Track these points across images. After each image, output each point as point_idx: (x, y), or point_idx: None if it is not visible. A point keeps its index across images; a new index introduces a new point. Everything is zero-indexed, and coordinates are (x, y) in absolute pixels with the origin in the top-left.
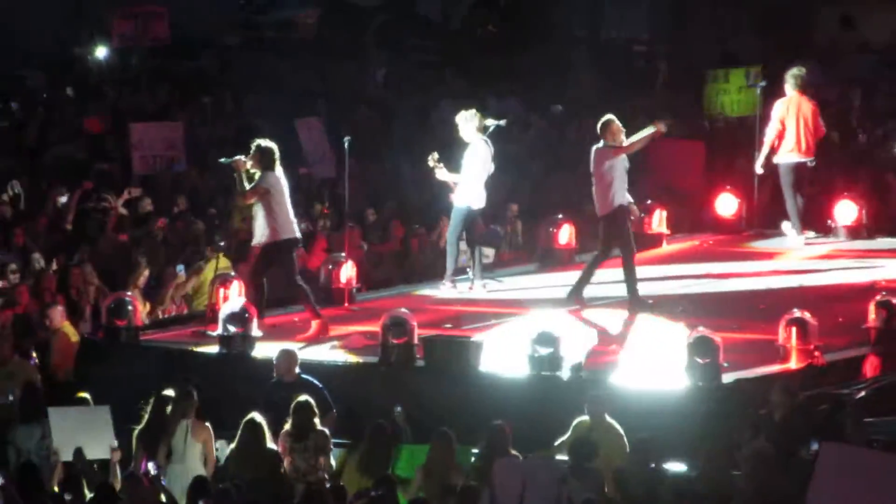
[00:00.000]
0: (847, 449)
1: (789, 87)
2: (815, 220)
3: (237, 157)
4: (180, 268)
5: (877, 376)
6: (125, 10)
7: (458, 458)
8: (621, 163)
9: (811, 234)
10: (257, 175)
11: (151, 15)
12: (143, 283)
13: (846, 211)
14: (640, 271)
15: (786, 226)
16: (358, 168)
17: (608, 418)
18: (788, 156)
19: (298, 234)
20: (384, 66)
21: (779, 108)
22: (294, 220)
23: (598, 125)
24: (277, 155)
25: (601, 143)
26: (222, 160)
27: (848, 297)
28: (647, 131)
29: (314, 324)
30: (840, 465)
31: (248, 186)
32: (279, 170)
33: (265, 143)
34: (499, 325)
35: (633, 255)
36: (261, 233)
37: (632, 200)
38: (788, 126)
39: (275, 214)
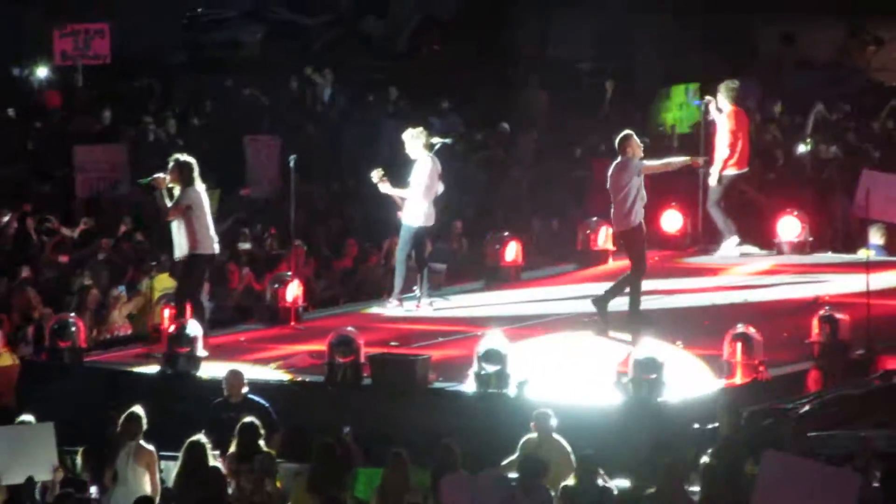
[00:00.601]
0: (788, 458)
1: (726, 100)
2: (759, 236)
3: (156, 175)
4: (121, 288)
5: (820, 390)
6: (67, 26)
7: (414, 479)
8: (640, 179)
9: (754, 249)
10: (177, 191)
11: (93, 32)
12: (94, 305)
13: (789, 227)
14: (586, 288)
15: (726, 244)
16: (304, 186)
17: (555, 435)
18: (731, 169)
19: (215, 252)
20: (329, 85)
21: (727, 123)
22: (214, 235)
23: (617, 140)
24: (196, 170)
25: (619, 158)
26: (140, 181)
27: (792, 312)
28: (681, 159)
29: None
30: (781, 474)
31: (169, 203)
32: (199, 184)
33: (184, 157)
34: (446, 343)
35: (642, 274)
36: (180, 248)
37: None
38: (732, 139)
39: (195, 229)
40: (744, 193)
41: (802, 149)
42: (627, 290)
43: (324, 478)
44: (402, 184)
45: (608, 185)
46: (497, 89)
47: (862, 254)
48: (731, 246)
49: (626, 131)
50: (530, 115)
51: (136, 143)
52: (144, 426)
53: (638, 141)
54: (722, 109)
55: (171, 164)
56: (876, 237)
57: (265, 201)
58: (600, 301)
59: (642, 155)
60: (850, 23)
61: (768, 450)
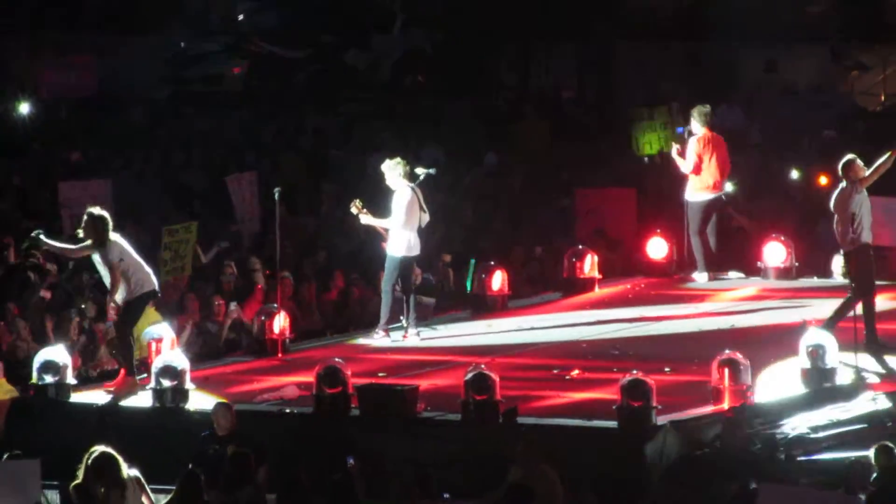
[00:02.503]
0: (785, 489)
1: (698, 124)
2: (745, 262)
3: (34, 235)
4: (109, 324)
5: (810, 415)
6: (54, 60)
7: None
8: (865, 199)
9: (737, 274)
10: (82, 237)
11: (80, 65)
12: (76, 336)
13: (775, 252)
14: (572, 316)
15: (696, 274)
16: (289, 219)
17: (543, 464)
18: (701, 194)
19: (155, 285)
20: (314, 118)
21: (695, 146)
22: (149, 270)
23: (840, 166)
24: (111, 224)
25: (844, 184)
26: (25, 245)
27: (778, 337)
28: (886, 157)
29: (120, 379)
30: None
31: (56, 243)
32: (114, 234)
33: (97, 211)
34: (433, 373)
35: (870, 293)
36: (120, 296)
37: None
38: (703, 163)
39: (129, 278)
40: (731, 218)
41: (795, 175)
42: (852, 313)
43: None
44: (385, 214)
45: (832, 208)
46: (481, 120)
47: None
48: (702, 278)
49: (850, 155)
50: (528, 145)
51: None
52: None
53: (861, 164)
54: (694, 133)
55: (86, 218)
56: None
57: (255, 235)
58: (870, 342)
59: (865, 175)
60: (832, 49)
61: (765, 483)
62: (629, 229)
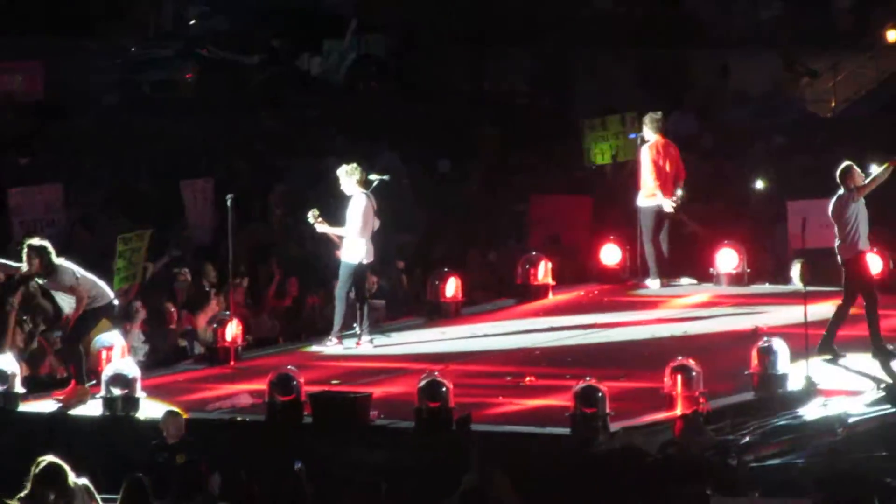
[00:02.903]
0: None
1: (650, 131)
2: (697, 268)
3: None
4: (58, 333)
5: (761, 421)
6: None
7: None
8: (863, 207)
9: (690, 281)
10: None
11: (26, 70)
12: (24, 344)
13: (727, 258)
14: (526, 323)
15: (649, 281)
16: (241, 226)
17: (496, 471)
18: (652, 200)
19: (111, 297)
20: (266, 123)
21: (648, 153)
22: (102, 283)
23: (838, 172)
24: (52, 250)
25: (842, 191)
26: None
27: (731, 343)
28: (883, 168)
29: (70, 388)
30: None
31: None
32: (59, 259)
33: (37, 242)
34: (387, 380)
35: (875, 300)
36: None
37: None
38: (658, 170)
39: (83, 297)
40: (683, 224)
41: (760, 185)
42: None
43: None
44: (340, 221)
45: (831, 217)
46: (435, 125)
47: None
48: (654, 285)
49: (847, 163)
50: (481, 151)
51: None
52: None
53: (860, 171)
54: (647, 140)
55: (26, 251)
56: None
57: (209, 242)
58: (824, 346)
59: (862, 183)
60: (784, 55)
61: (715, 496)
62: (584, 237)
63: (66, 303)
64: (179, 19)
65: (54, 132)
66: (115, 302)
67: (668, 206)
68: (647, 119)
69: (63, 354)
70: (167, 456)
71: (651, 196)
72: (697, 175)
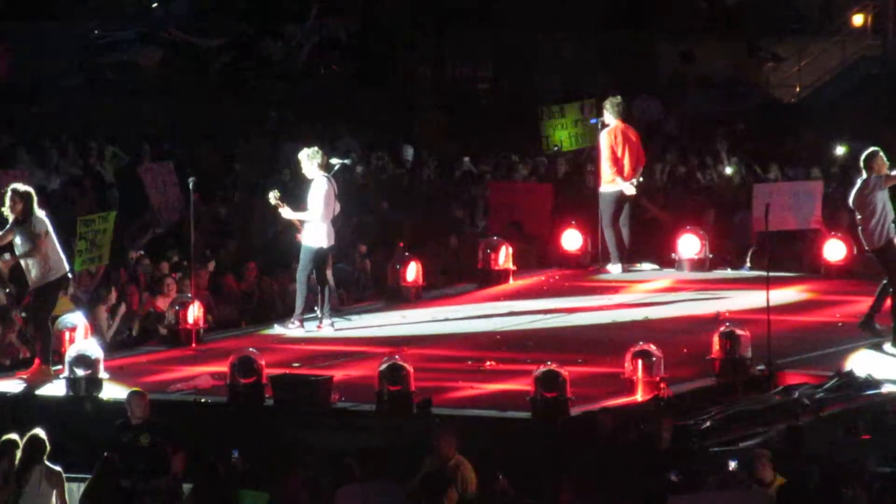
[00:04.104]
0: (690, 498)
1: (611, 116)
2: (659, 253)
3: None
4: (15, 312)
5: (723, 406)
6: None
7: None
8: (885, 194)
9: (651, 266)
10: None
11: None
12: None
13: (689, 244)
14: (487, 308)
15: (610, 266)
16: (204, 208)
17: (457, 454)
18: (612, 185)
19: (67, 271)
20: (228, 107)
21: (607, 138)
22: (64, 257)
23: (863, 158)
24: (35, 197)
25: (864, 176)
26: None
27: (692, 328)
28: None
29: (35, 367)
30: None
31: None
32: (40, 211)
33: (23, 187)
34: (348, 363)
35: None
36: (35, 275)
37: None
38: (619, 154)
39: (46, 256)
40: (645, 211)
41: (729, 170)
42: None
43: (207, 498)
44: (301, 205)
45: (852, 204)
46: (395, 110)
47: None
48: (615, 270)
49: (873, 148)
50: (428, 136)
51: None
52: (48, 448)
53: (884, 158)
54: (608, 125)
55: (9, 195)
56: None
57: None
58: (866, 324)
59: (887, 171)
60: (748, 40)
61: (671, 497)
62: (544, 224)
63: (33, 268)
64: (141, 3)
65: (18, 115)
66: (70, 276)
67: (629, 189)
68: (607, 104)
69: (28, 333)
70: (131, 436)
71: (611, 181)
72: (660, 161)
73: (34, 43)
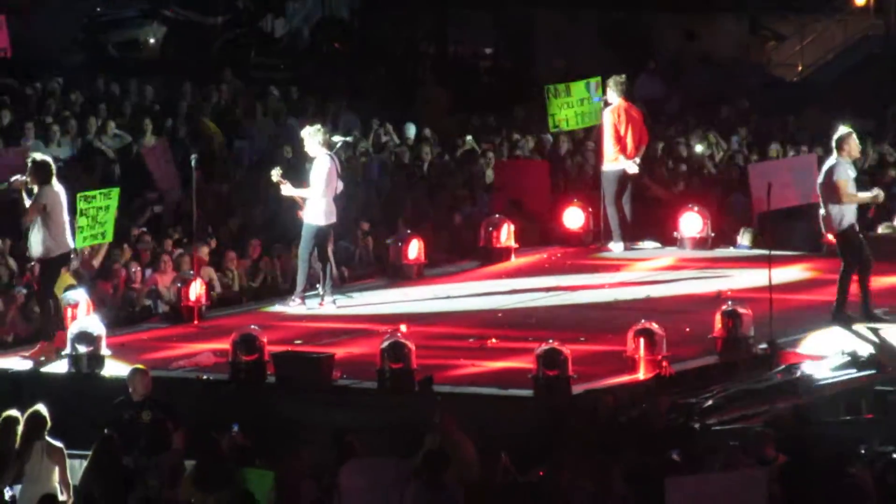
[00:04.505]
0: (690, 480)
1: (614, 94)
2: (661, 232)
3: (14, 178)
4: (19, 288)
5: (725, 385)
6: None
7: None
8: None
9: (653, 244)
10: (35, 191)
11: None
12: None
13: (691, 222)
14: (489, 285)
15: (612, 244)
16: (205, 186)
17: (458, 432)
18: (615, 164)
19: (71, 248)
20: (230, 84)
21: (610, 117)
22: (69, 234)
23: (835, 138)
24: (54, 168)
25: (835, 157)
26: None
27: (694, 307)
28: (872, 195)
29: (41, 344)
30: (688, 496)
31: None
32: (56, 184)
33: (40, 157)
34: (349, 341)
35: (853, 271)
36: (36, 248)
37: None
38: (622, 133)
39: (49, 230)
40: (647, 188)
41: (700, 149)
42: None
43: (209, 474)
44: (303, 182)
45: (819, 188)
46: (398, 87)
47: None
48: (617, 248)
49: (846, 129)
50: (430, 113)
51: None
52: (49, 424)
53: (857, 141)
54: (611, 103)
55: (28, 165)
56: (745, 238)
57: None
58: (838, 315)
59: (858, 156)
60: (750, 19)
61: (669, 477)
62: (543, 202)
63: (36, 241)
64: None
65: (20, 92)
66: (73, 254)
67: (632, 168)
68: (610, 82)
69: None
70: (133, 413)
71: (613, 160)
72: (662, 139)
73: (35, 20)
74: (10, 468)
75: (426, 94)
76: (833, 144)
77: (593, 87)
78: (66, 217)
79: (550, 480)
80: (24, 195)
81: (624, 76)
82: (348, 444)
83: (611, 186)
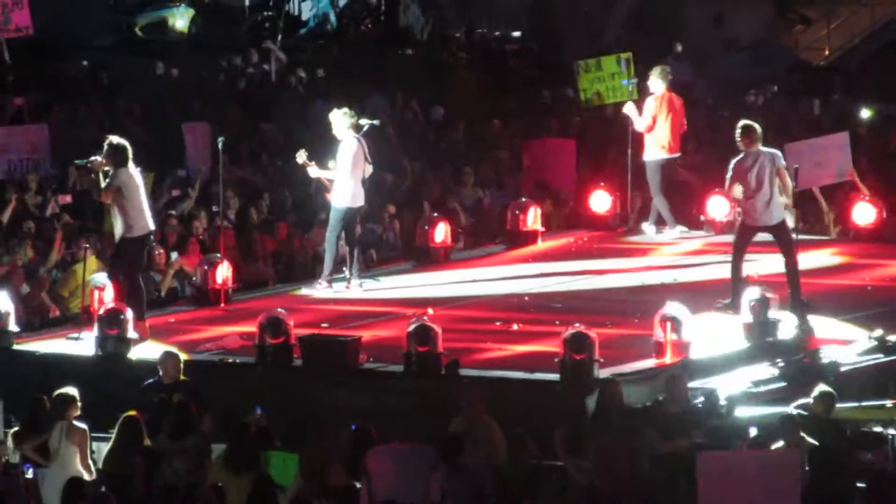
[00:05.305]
0: (723, 455)
1: (659, 83)
2: (689, 216)
3: (93, 158)
4: (43, 270)
5: (750, 370)
6: None
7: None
8: (773, 170)
9: (681, 228)
10: (111, 173)
11: (11, 3)
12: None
13: (718, 206)
14: (516, 269)
15: (646, 226)
16: (232, 168)
17: (485, 415)
18: (658, 152)
19: (151, 228)
20: (258, 67)
21: (651, 105)
22: (148, 214)
23: (740, 130)
24: (130, 152)
25: (743, 152)
26: (77, 161)
27: (721, 291)
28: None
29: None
30: (720, 472)
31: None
32: (132, 166)
33: (117, 140)
34: (376, 324)
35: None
36: (117, 230)
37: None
38: (659, 123)
39: (126, 211)
40: (675, 173)
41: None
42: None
43: (239, 457)
44: (330, 165)
45: (728, 181)
46: (425, 71)
47: None
48: (674, 233)
49: (746, 122)
50: (460, 97)
51: (66, 125)
52: (78, 406)
53: (760, 132)
54: (654, 91)
55: (105, 147)
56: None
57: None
58: (794, 307)
59: (760, 145)
60: (777, 3)
61: (702, 452)
62: (569, 181)
63: (115, 222)
64: None
65: (48, 73)
66: (153, 234)
67: (676, 158)
68: (656, 71)
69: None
70: (163, 396)
71: (659, 149)
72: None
73: (63, 1)
74: (29, 440)
75: (455, 77)
76: (738, 137)
77: (624, 63)
78: (143, 199)
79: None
80: (101, 176)
81: (669, 66)
82: (363, 431)
83: (654, 176)
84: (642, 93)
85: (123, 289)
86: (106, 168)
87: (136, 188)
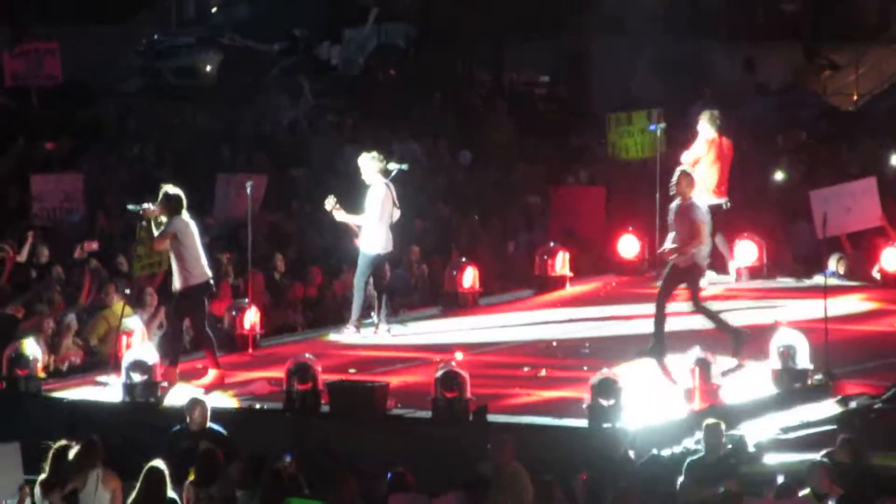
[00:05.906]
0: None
1: (710, 128)
2: (716, 261)
3: (146, 205)
4: (71, 316)
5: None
6: (17, 47)
7: None
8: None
9: (709, 273)
10: (164, 221)
11: (43, 51)
12: (49, 332)
13: (747, 251)
14: (544, 314)
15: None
16: (264, 214)
17: (513, 461)
18: (707, 198)
19: (209, 277)
20: (287, 112)
21: (701, 147)
22: (206, 263)
23: (677, 178)
24: (185, 201)
25: (679, 200)
26: (130, 206)
27: (749, 337)
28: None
29: (211, 372)
30: None
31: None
32: (186, 214)
33: (172, 189)
34: (404, 370)
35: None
36: (175, 279)
37: None
38: (710, 167)
39: (184, 260)
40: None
41: (780, 176)
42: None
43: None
44: (358, 210)
45: (673, 225)
46: (453, 115)
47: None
48: (730, 277)
49: (684, 167)
50: (492, 142)
51: (95, 171)
52: (103, 453)
53: (693, 179)
54: (706, 137)
55: (160, 196)
56: (834, 264)
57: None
58: (734, 334)
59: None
60: (805, 48)
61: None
62: (598, 228)
63: (174, 272)
64: (201, 7)
65: (79, 118)
66: (212, 282)
67: (725, 204)
68: (706, 115)
69: (164, 336)
70: (190, 443)
71: (710, 194)
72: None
73: (93, 46)
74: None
75: (484, 122)
76: (672, 186)
77: (654, 117)
78: (199, 246)
79: None
80: (153, 225)
81: (717, 111)
82: (398, 476)
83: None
84: (674, 140)
85: (173, 336)
86: (158, 217)
87: (192, 236)
